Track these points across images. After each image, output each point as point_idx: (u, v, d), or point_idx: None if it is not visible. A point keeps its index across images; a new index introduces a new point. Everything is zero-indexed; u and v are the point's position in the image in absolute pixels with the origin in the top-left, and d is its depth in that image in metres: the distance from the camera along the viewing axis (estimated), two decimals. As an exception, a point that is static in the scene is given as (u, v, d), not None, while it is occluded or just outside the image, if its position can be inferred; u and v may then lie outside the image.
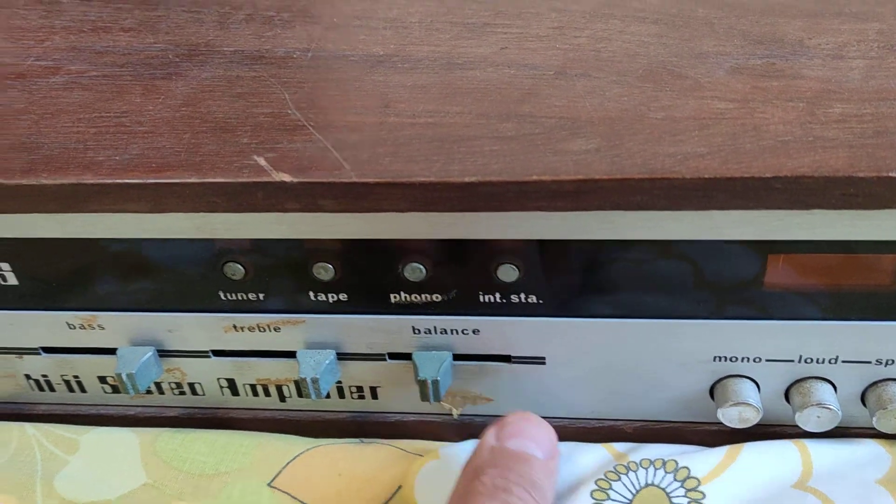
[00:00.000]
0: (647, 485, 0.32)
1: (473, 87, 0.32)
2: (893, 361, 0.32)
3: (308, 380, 0.34)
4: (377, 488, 0.34)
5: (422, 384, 0.33)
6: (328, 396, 0.37)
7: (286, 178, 0.29)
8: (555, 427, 0.35)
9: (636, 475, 0.32)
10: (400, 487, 0.34)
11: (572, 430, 0.36)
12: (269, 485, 0.35)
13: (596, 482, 0.32)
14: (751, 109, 0.29)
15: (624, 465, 0.33)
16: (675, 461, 0.33)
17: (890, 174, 0.26)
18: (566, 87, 0.32)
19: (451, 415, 0.37)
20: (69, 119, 0.33)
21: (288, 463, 0.35)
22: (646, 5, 0.36)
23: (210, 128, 0.32)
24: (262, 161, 0.30)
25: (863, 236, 0.29)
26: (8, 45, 0.39)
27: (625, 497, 0.32)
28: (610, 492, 0.32)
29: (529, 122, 0.30)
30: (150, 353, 0.35)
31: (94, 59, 0.37)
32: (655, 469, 0.32)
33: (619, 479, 0.32)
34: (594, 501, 0.31)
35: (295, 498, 0.34)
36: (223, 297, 0.34)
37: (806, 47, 0.33)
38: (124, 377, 0.35)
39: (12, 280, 0.34)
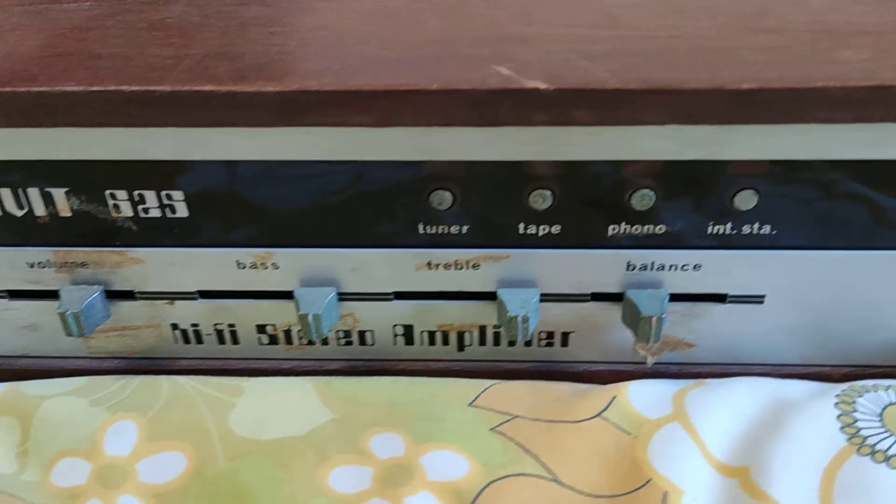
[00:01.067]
0: (892, 403, 0.30)
1: (700, 5, 0.31)
2: None
3: (518, 318, 0.31)
4: (590, 401, 0.32)
5: (644, 322, 0.31)
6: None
7: (539, 85, 0.26)
8: (758, 373, 0.34)
9: (877, 395, 0.30)
10: (615, 397, 0.32)
11: (776, 378, 0.34)
12: (469, 405, 0.32)
13: (836, 395, 0.30)
14: None
15: (860, 386, 0.31)
16: None
17: None
18: (801, 3, 0.30)
19: (644, 363, 0.35)
20: (260, 32, 0.30)
21: (482, 391, 0.33)
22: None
23: (427, 40, 0.29)
24: (504, 70, 0.27)
25: None
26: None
27: (873, 411, 0.30)
28: (855, 405, 0.30)
29: (784, 35, 0.28)
30: (332, 293, 0.33)
31: (260, -23, 0.34)
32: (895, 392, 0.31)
33: (862, 395, 0.30)
34: (840, 412, 0.30)
35: (501, 412, 0.32)
36: (421, 231, 0.31)
37: None
38: (310, 318, 0.32)
39: (182, 212, 0.31)
